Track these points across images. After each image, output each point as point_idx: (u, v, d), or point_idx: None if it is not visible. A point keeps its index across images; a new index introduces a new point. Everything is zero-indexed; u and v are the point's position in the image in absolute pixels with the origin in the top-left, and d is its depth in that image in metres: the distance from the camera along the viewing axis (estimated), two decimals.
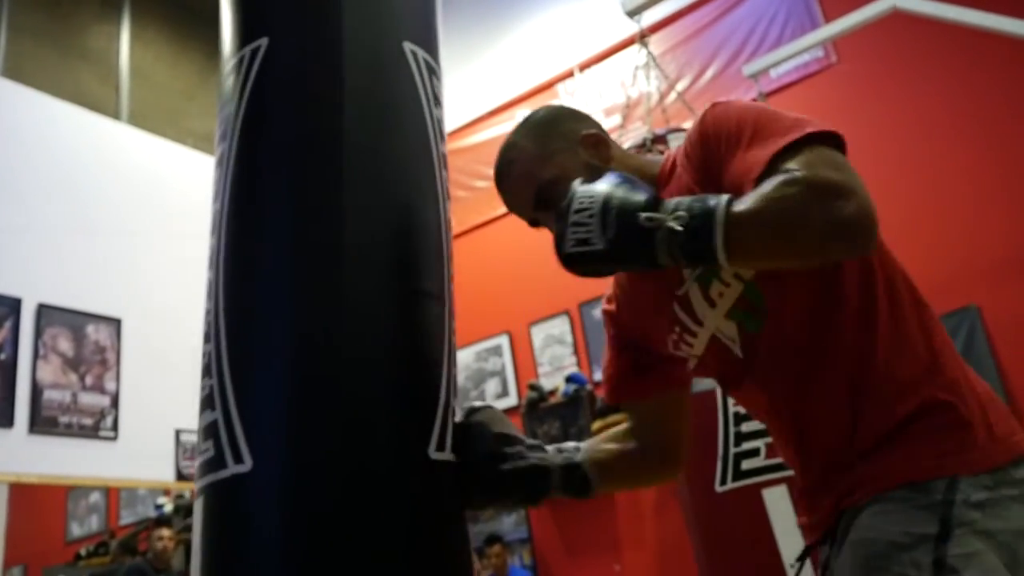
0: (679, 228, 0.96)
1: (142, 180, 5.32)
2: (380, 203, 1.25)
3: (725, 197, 0.97)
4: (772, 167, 0.98)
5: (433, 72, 1.40)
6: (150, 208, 5.24)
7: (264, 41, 1.34)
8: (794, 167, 0.96)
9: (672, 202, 0.99)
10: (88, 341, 4.75)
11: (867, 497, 1.00)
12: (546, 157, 1.28)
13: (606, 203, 1.02)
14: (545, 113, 1.35)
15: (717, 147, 1.09)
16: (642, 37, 3.28)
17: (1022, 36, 3.39)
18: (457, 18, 6.30)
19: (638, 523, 4.79)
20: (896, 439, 1.00)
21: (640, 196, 1.01)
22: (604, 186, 1.05)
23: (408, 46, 1.35)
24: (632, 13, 3.26)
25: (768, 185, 0.96)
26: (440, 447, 1.17)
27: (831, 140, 1.01)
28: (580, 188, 1.07)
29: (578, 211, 1.03)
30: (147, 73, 5.93)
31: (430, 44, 1.43)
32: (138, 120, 5.62)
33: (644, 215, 0.98)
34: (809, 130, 1.00)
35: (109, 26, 5.81)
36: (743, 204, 0.95)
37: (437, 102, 1.38)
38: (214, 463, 1.16)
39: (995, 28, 3.44)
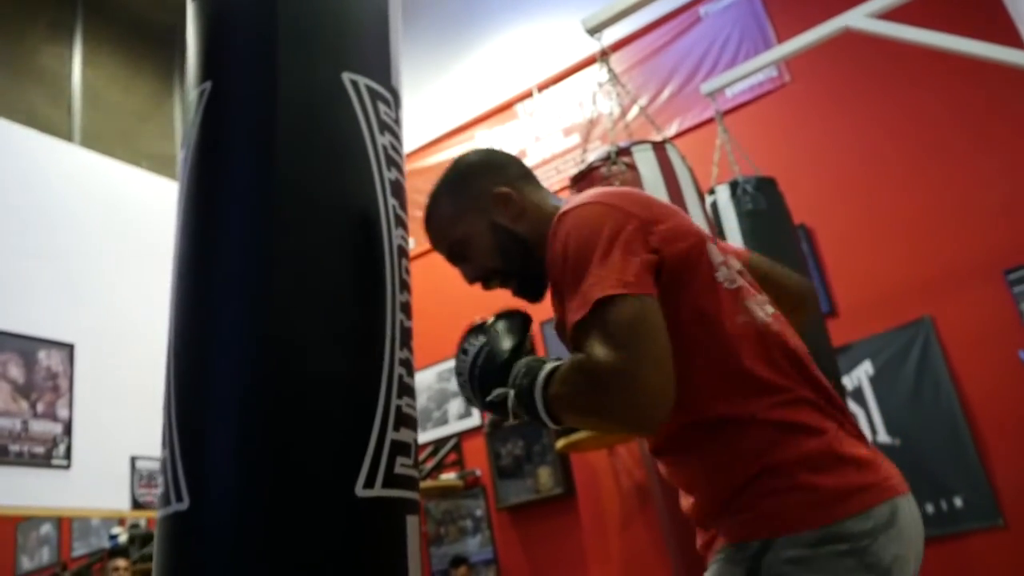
0: (514, 403, 1.18)
1: (95, 202, 5.23)
2: (313, 241, 1.27)
3: (542, 379, 1.14)
4: (576, 335, 1.12)
5: (379, 98, 1.40)
6: (103, 231, 5.15)
7: (208, 85, 1.37)
8: (586, 343, 1.08)
9: (518, 372, 1.19)
10: (40, 367, 4.63)
11: (712, 557, 1.16)
12: (456, 218, 1.39)
13: (471, 374, 1.30)
14: (466, 166, 1.43)
15: (552, 271, 1.24)
16: (603, 54, 3.31)
17: (972, 55, 3.49)
18: (416, 39, 6.32)
19: (603, 540, 4.78)
20: (731, 505, 1.12)
21: (493, 367, 1.27)
22: (474, 351, 1.32)
23: (348, 76, 1.36)
24: (593, 31, 3.29)
25: (564, 370, 1.12)
26: (370, 484, 1.17)
27: (620, 300, 1.08)
28: (464, 343, 1.35)
29: (459, 372, 1.34)
30: (100, 95, 5.84)
31: (378, 71, 1.43)
32: (91, 142, 5.52)
33: (495, 394, 1.22)
34: (597, 296, 1.08)
35: (60, 47, 5.71)
36: (553, 387, 1.12)
37: (384, 128, 1.38)
38: (163, 499, 1.21)
39: (945, 47, 3.54)
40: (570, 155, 5.48)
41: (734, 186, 3.63)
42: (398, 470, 1.23)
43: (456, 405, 5.54)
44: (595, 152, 2.92)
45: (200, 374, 1.24)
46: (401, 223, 1.37)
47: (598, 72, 3.38)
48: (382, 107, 1.40)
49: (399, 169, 1.41)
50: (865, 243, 4.35)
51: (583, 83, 5.55)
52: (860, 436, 1.17)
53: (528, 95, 5.88)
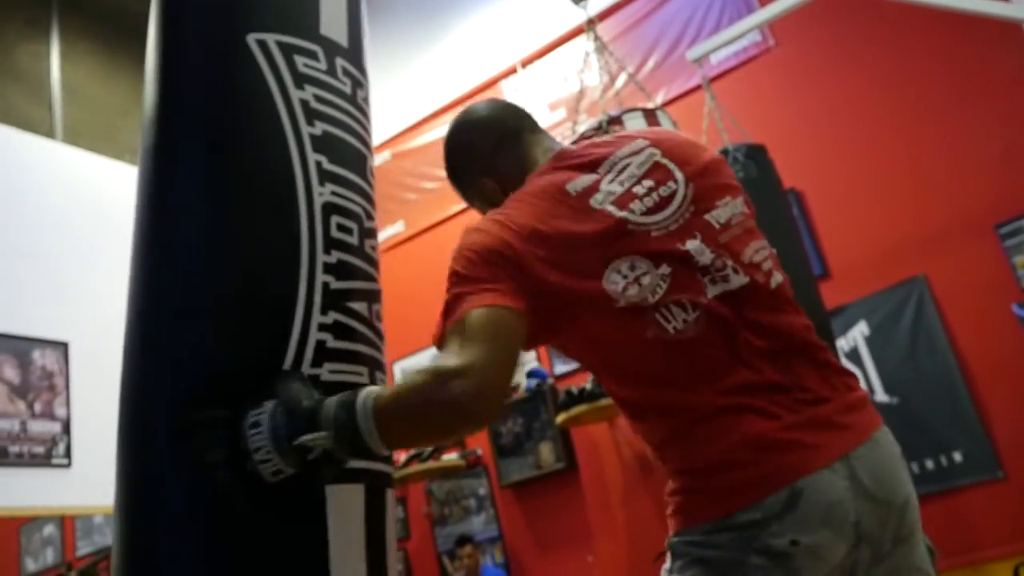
0: (333, 444, 1.09)
1: (81, 198, 5.18)
2: (209, 204, 1.30)
3: (368, 398, 1.08)
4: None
5: (298, 52, 1.37)
6: (91, 226, 5.10)
7: (150, 72, 1.43)
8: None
9: (328, 411, 1.10)
10: (35, 367, 4.60)
11: None
12: (467, 197, 1.48)
13: (275, 437, 1.11)
14: (450, 151, 1.46)
15: None
16: (590, 23, 3.29)
17: (956, 9, 3.48)
18: (396, 17, 6.27)
19: (607, 512, 4.81)
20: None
21: (298, 418, 1.12)
22: (266, 417, 1.13)
23: (254, 37, 1.34)
24: (578, 0, 3.27)
25: (403, 378, 1.14)
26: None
27: (472, 313, 1.13)
28: (248, 421, 1.14)
29: (256, 449, 1.12)
30: (80, 90, 5.78)
31: (298, 26, 1.40)
32: (73, 138, 5.47)
33: (307, 438, 1.10)
34: (445, 320, 1.16)
35: (37, 44, 5.65)
36: (383, 398, 1.09)
37: (305, 82, 1.35)
38: None
39: (929, 3, 3.53)
40: (557, 130, 5.44)
41: (724, 154, 3.62)
42: None
43: None
44: (586, 123, 2.91)
45: (128, 352, 1.31)
46: (331, 178, 1.32)
47: (585, 42, 3.36)
48: (301, 60, 1.36)
49: (333, 122, 1.36)
50: (856, 204, 4.35)
51: (567, 57, 5.50)
52: (797, 405, 1.16)
53: (512, 71, 5.84)
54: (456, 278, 1.19)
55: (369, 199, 1.42)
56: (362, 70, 1.49)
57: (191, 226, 1.28)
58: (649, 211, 1.21)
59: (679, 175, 1.25)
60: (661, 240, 1.18)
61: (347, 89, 1.42)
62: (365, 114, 1.47)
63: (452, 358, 1.08)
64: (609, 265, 1.16)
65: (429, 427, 1.13)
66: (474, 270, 1.17)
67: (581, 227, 1.18)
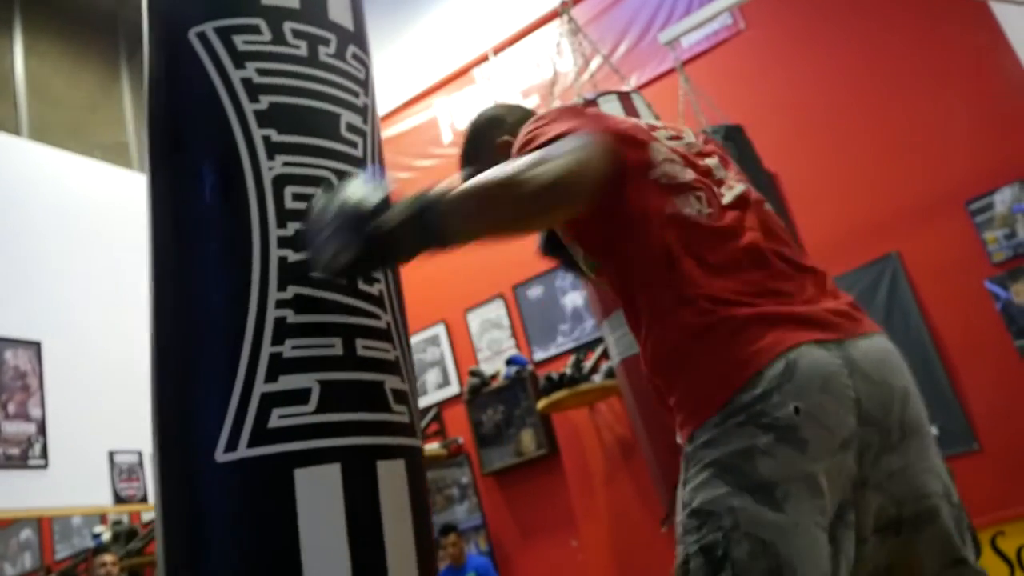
0: (403, 221, 1.09)
1: (49, 196, 5.10)
2: (163, 190, 1.36)
3: (442, 188, 1.12)
4: None
5: (236, 31, 1.36)
6: (59, 224, 5.03)
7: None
8: None
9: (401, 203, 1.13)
10: (7, 367, 4.53)
11: None
12: (475, 171, 1.38)
13: (343, 212, 1.11)
14: (474, 127, 1.61)
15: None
16: (563, 5, 3.28)
17: None
18: (365, 6, 6.21)
19: (590, 497, 4.82)
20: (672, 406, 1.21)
21: (371, 199, 1.11)
22: (340, 196, 1.13)
23: (194, 31, 1.36)
24: None
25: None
26: (232, 446, 1.13)
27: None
28: (319, 202, 1.16)
29: (323, 227, 1.13)
30: (45, 86, 5.69)
31: (229, 6, 1.39)
32: (40, 135, 5.39)
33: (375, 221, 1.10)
34: (537, 142, 1.22)
35: (0, 40, 5.55)
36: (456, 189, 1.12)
37: (246, 58, 1.34)
38: None
39: None
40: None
41: None
42: (275, 423, 1.15)
43: (434, 375, 5.53)
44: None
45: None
46: (283, 149, 1.30)
47: (557, 27, 3.35)
48: (240, 39, 1.35)
49: (284, 91, 1.35)
50: (828, 184, 4.38)
51: (538, 44, 5.50)
52: (791, 296, 1.19)
53: (484, 59, 5.82)
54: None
55: (346, 158, 1.37)
56: (326, 25, 1.45)
57: (163, 226, 1.35)
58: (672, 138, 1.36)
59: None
60: (686, 155, 1.31)
61: (301, 52, 1.38)
62: (336, 69, 1.43)
63: (529, 157, 1.17)
64: (648, 143, 1.30)
65: (501, 211, 1.15)
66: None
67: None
